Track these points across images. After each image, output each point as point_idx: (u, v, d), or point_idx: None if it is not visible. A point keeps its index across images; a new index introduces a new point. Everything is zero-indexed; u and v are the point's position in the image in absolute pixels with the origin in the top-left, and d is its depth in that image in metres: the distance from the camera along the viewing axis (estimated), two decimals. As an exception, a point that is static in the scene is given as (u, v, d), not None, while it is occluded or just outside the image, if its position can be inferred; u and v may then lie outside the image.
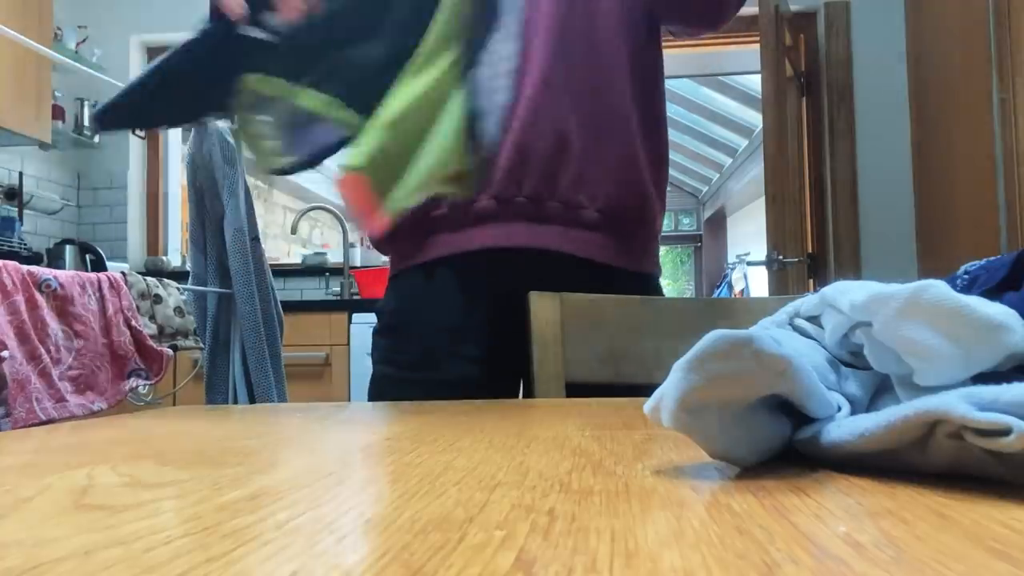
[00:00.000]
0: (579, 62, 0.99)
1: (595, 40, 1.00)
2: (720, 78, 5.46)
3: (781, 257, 2.72)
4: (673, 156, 7.64)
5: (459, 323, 0.99)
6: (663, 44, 1.11)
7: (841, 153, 3.07)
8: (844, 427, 0.34)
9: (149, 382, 1.99)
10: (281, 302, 2.34)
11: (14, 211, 3.12)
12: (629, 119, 1.03)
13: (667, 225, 9.10)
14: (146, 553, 0.23)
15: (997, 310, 0.34)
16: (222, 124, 2.15)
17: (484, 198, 0.98)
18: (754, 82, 4.21)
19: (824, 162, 3.12)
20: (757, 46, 2.66)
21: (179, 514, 0.28)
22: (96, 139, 3.29)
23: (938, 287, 0.34)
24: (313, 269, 3.56)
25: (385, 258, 1.11)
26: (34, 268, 2.10)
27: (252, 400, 2.17)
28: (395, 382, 1.02)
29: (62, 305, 2.11)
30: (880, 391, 0.41)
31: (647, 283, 1.09)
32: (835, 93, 3.09)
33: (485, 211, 0.98)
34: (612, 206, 1.01)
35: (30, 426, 1.89)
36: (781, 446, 0.36)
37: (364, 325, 2.81)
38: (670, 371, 0.34)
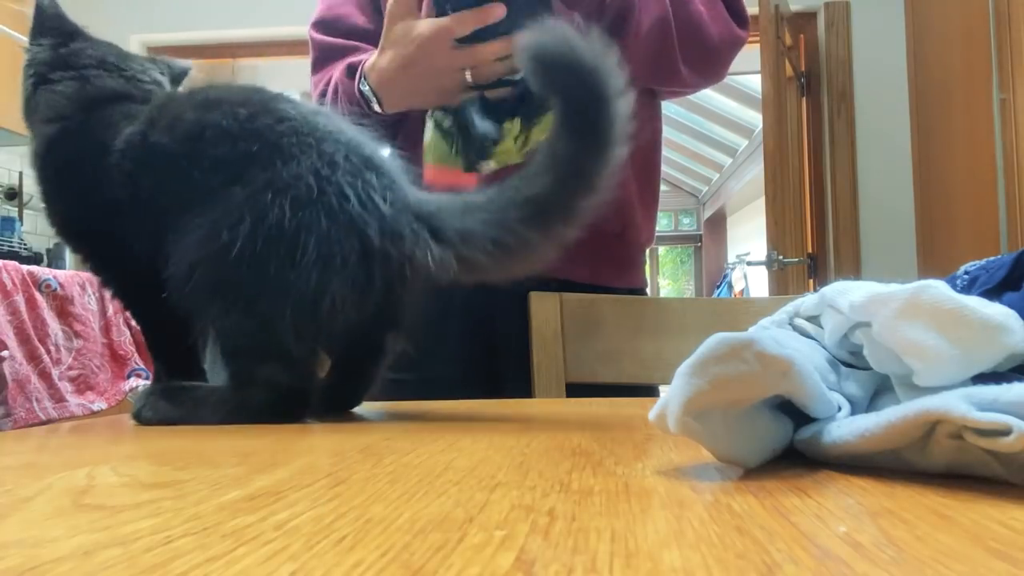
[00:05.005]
0: None
1: None
2: (720, 78, 5.45)
3: (781, 257, 2.72)
4: (673, 156, 7.64)
5: (437, 325, 0.99)
6: None
7: (841, 153, 3.07)
8: (844, 427, 0.34)
9: (149, 382, 1.99)
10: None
11: (14, 211, 3.12)
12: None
13: (667, 225, 9.11)
14: (146, 553, 0.23)
15: (997, 310, 0.34)
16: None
17: None
18: (754, 82, 4.21)
19: (824, 162, 3.12)
20: (757, 46, 2.66)
21: (179, 514, 0.28)
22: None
23: (937, 287, 0.34)
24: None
25: None
26: (34, 268, 2.10)
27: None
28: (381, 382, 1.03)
29: (62, 305, 2.11)
30: (880, 391, 0.41)
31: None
32: (835, 93, 3.09)
33: None
34: (595, 227, 1.01)
35: (30, 426, 1.89)
36: (784, 446, 0.36)
37: (364, 325, 2.80)
38: (671, 373, 0.34)
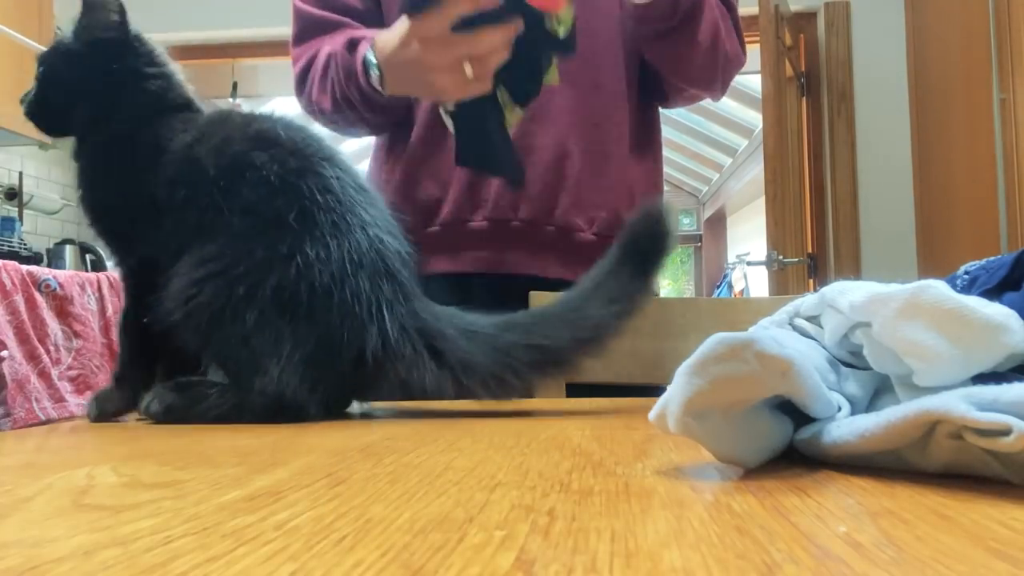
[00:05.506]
0: (580, 89, 0.99)
1: (596, 66, 0.99)
2: (720, 78, 5.43)
3: (781, 257, 2.71)
4: (673, 156, 7.64)
5: None
6: None
7: (841, 153, 3.07)
8: (844, 427, 0.34)
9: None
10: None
11: (14, 211, 3.12)
12: (626, 144, 1.04)
13: (667, 225, 9.10)
14: (146, 553, 0.23)
15: (996, 310, 0.34)
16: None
17: (479, 219, 0.98)
18: (754, 82, 4.21)
19: (824, 162, 3.12)
20: (757, 46, 2.66)
21: (179, 514, 0.28)
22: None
23: (937, 288, 0.34)
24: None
25: None
26: (34, 268, 2.10)
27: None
28: None
29: (61, 305, 2.11)
30: (880, 391, 0.41)
31: None
32: (835, 93, 3.09)
33: (480, 233, 0.98)
34: (610, 228, 1.02)
35: (30, 426, 1.89)
36: (784, 446, 0.36)
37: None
38: (671, 373, 0.34)
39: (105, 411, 0.71)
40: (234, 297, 0.63)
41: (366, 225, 0.67)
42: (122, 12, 0.74)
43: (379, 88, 0.90)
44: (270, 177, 0.66)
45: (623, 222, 1.04)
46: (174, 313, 0.65)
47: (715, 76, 1.05)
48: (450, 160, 0.98)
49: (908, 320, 0.34)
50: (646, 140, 1.08)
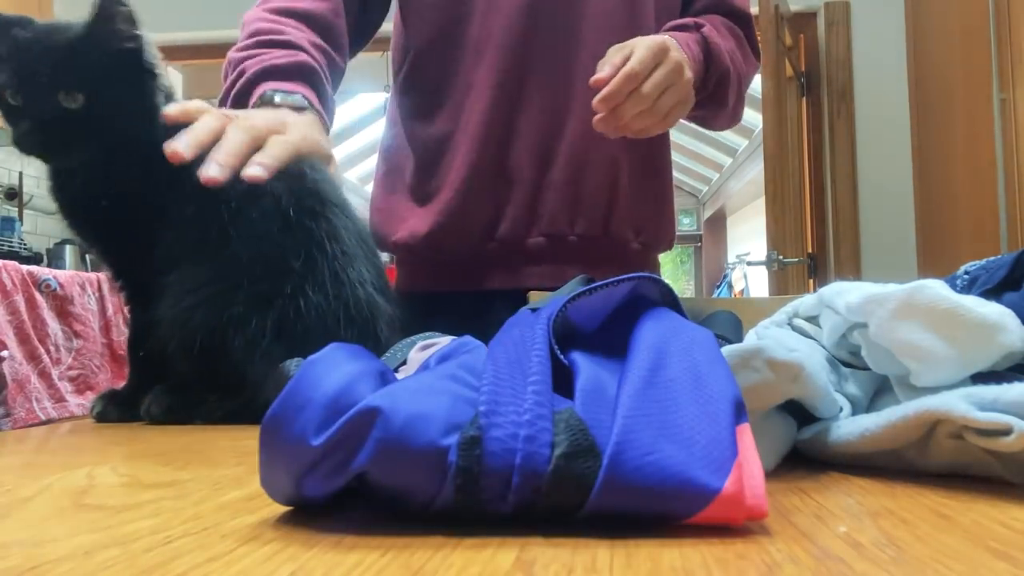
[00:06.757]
0: None
1: None
2: (720, 78, 5.41)
3: (781, 257, 2.71)
4: (673, 156, 7.65)
5: (437, 327, 0.97)
6: None
7: (841, 153, 3.07)
8: (845, 427, 0.34)
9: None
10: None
11: (14, 211, 3.12)
12: (668, 157, 1.08)
13: (667, 225, 9.13)
14: (146, 553, 0.23)
15: (992, 309, 0.34)
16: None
17: (535, 236, 0.98)
18: (754, 82, 4.21)
19: (824, 162, 3.12)
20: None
21: (179, 514, 0.28)
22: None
23: (933, 288, 0.34)
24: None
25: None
26: (34, 268, 2.10)
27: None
28: None
29: (62, 305, 2.11)
30: (880, 391, 0.41)
31: None
32: (835, 93, 3.09)
33: (538, 249, 0.98)
34: (653, 238, 1.05)
35: (30, 426, 1.89)
36: (789, 448, 0.36)
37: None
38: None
39: (107, 418, 0.71)
40: (226, 319, 0.63)
41: (363, 281, 0.68)
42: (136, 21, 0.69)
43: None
44: (288, 211, 0.65)
45: (667, 232, 1.06)
46: (169, 343, 0.65)
47: (737, 118, 1.08)
48: (507, 178, 0.95)
49: (903, 321, 0.34)
50: (668, 150, 1.12)
